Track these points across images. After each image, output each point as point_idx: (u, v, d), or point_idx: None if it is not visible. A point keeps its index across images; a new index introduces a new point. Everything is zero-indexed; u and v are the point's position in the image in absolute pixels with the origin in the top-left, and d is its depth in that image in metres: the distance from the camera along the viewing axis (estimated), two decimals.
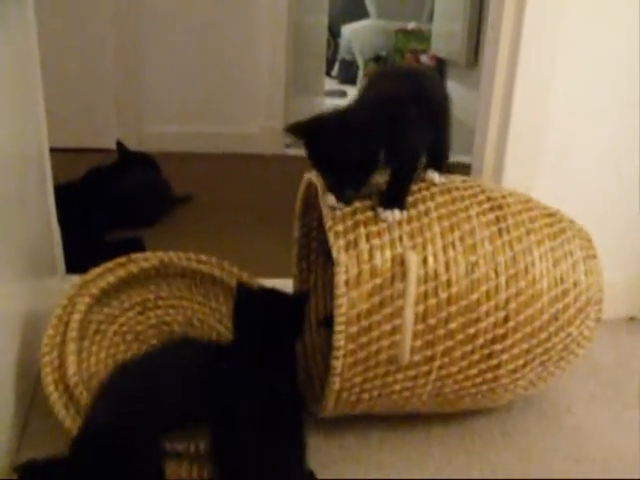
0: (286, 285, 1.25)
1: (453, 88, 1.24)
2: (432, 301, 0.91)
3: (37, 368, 1.10)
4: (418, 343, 0.92)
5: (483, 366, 0.96)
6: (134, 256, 1.17)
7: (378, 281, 0.90)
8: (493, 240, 0.96)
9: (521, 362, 0.98)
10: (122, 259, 1.15)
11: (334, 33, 5.08)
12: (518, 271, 0.96)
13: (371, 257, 0.91)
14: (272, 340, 0.97)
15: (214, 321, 1.21)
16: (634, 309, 1.51)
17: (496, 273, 0.95)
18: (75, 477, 0.78)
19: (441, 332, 0.92)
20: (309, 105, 3.30)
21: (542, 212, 1.05)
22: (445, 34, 3.82)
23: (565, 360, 1.05)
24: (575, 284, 1.00)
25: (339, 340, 0.90)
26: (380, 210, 0.94)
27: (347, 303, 0.89)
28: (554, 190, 1.28)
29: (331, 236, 0.92)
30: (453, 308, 0.92)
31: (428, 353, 0.93)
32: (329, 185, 0.92)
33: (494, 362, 0.96)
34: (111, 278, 1.12)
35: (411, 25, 4.61)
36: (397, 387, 0.95)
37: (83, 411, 0.93)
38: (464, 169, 1.32)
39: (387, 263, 0.91)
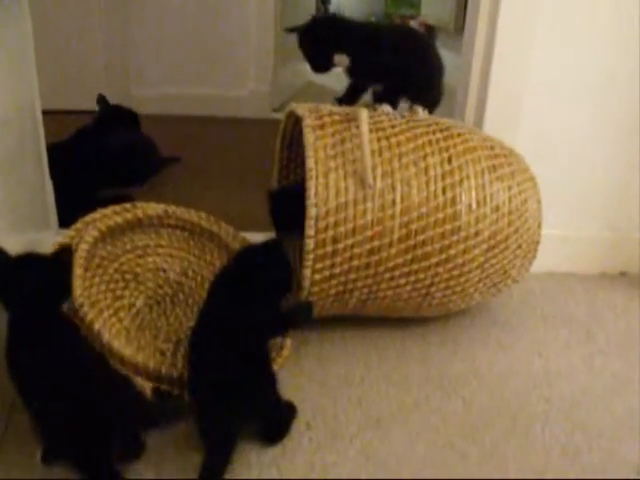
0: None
1: (442, 54, 1.29)
2: (384, 143, 1.14)
3: None
4: (379, 171, 1.11)
5: (441, 199, 1.12)
6: (140, 203, 1.22)
7: (338, 127, 1.13)
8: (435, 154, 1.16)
9: (474, 195, 1.15)
10: (129, 205, 1.20)
11: None
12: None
13: (331, 115, 1.16)
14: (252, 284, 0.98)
15: (208, 273, 1.26)
16: (624, 264, 1.56)
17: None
18: None
19: (396, 164, 1.12)
20: (298, 70, 3.29)
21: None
22: (434, 0, 3.81)
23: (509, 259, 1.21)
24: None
25: (310, 158, 1.08)
26: (378, 105, 1.23)
27: (314, 135, 1.10)
28: (533, 149, 1.32)
29: (299, 111, 1.16)
30: (403, 149, 1.14)
31: (389, 181, 1.11)
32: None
33: (449, 195, 1.13)
34: (118, 219, 1.17)
35: None
36: (369, 217, 1.10)
37: (86, 329, 0.99)
38: None
39: (344, 117, 1.15)
